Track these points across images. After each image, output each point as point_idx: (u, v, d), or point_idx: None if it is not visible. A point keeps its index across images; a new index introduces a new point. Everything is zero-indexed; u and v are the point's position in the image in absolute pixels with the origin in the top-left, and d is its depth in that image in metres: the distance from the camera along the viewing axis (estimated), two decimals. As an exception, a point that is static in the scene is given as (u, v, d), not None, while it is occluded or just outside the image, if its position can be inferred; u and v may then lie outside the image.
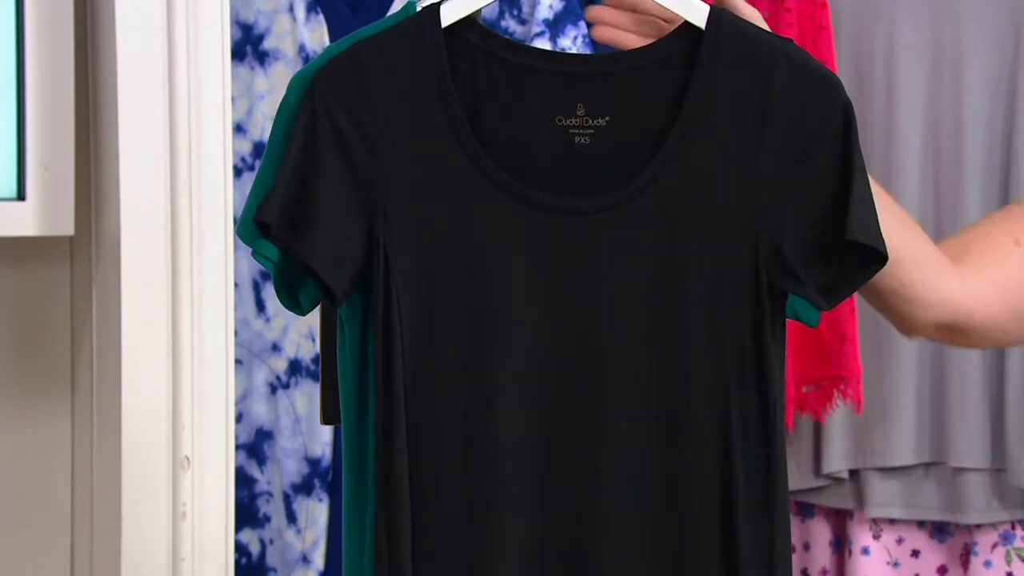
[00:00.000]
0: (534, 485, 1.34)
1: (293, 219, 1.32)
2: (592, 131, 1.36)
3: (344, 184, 1.33)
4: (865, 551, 2.56)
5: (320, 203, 1.32)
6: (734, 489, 1.33)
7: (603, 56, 1.45)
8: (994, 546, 2.51)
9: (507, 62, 1.37)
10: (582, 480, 1.34)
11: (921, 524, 2.57)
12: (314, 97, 1.34)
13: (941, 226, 2.43)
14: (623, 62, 1.40)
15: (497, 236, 1.33)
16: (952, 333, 1.47)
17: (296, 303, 1.36)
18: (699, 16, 1.40)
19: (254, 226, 1.34)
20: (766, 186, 1.35)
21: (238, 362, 2.19)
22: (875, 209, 1.34)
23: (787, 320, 1.40)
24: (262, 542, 2.28)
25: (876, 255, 1.33)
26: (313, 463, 2.22)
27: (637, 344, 1.34)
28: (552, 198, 1.34)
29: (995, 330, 1.48)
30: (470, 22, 1.37)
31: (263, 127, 2.21)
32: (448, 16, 1.37)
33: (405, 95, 1.34)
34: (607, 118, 1.36)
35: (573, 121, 1.36)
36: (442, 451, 1.34)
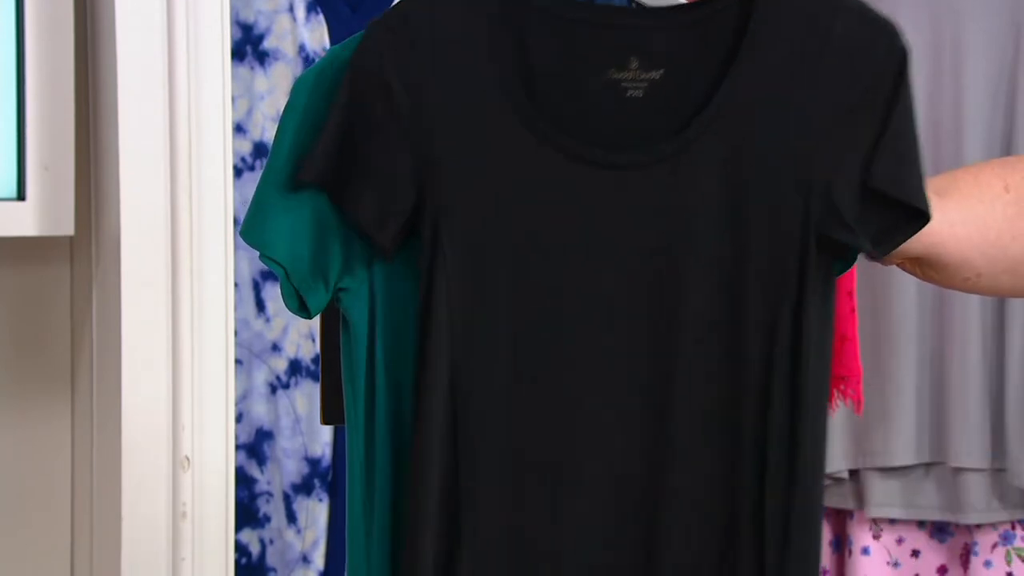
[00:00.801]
0: (597, 469, 1.31)
1: (338, 177, 1.31)
2: (645, 84, 1.34)
3: (392, 142, 1.30)
4: (865, 551, 2.56)
5: (367, 161, 1.30)
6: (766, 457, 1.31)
7: (655, 9, 1.43)
8: (994, 546, 2.51)
9: (559, 16, 1.33)
10: (645, 457, 1.32)
11: (921, 524, 2.57)
12: (362, 54, 1.31)
13: (941, 226, 2.43)
14: (676, 16, 1.37)
15: (551, 196, 1.30)
16: (924, 266, 1.45)
17: (302, 307, 1.36)
18: None
19: (260, 227, 1.33)
20: (822, 135, 1.32)
21: (238, 362, 2.19)
22: (916, 159, 1.32)
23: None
24: (262, 542, 2.28)
25: (913, 210, 1.31)
26: (313, 463, 2.22)
27: (704, 313, 1.32)
28: (606, 153, 1.31)
29: (968, 270, 1.45)
30: None
31: (263, 127, 2.21)
32: None
33: (455, 51, 1.31)
34: (660, 71, 1.34)
35: (626, 75, 1.34)
36: (494, 437, 1.31)
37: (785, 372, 1.32)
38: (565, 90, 1.33)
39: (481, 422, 1.31)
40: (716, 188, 1.32)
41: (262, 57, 2.23)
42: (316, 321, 1.76)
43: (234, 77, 2.13)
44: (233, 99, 2.08)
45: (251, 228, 1.36)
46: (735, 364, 1.32)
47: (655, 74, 1.34)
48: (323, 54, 2.21)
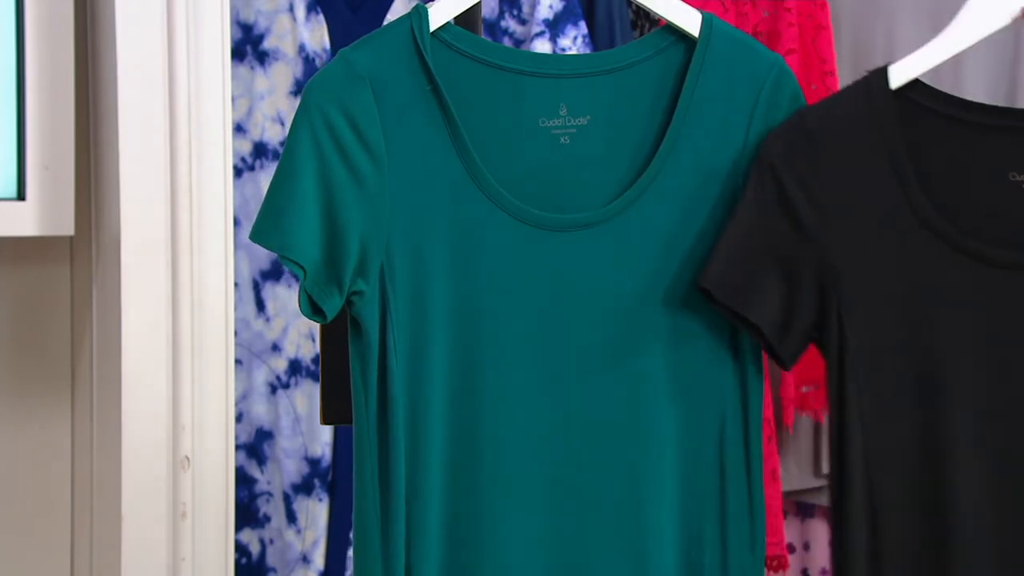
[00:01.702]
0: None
1: (741, 286, 1.35)
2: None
3: (793, 251, 1.34)
4: (865, 551, 2.56)
5: (769, 269, 1.34)
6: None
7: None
8: (994, 546, 2.51)
9: (976, 125, 1.37)
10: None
11: (921, 524, 2.57)
12: (763, 162, 1.35)
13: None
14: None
15: (951, 298, 1.34)
16: None
17: (316, 311, 1.37)
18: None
19: (276, 230, 1.36)
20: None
21: (238, 362, 2.19)
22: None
23: None
24: (262, 542, 2.28)
25: None
26: (313, 463, 2.22)
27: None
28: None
29: None
30: (917, 84, 1.38)
31: (263, 127, 2.21)
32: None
33: (856, 164, 1.35)
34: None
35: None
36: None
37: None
38: (955, 196, 1.36)
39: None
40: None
41: (262, 57, 2.23)
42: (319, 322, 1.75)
43: (234, 77, 2.13)
44: (233, 99, 2.08)
45: (266, 231, 1.36)
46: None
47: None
48: (323, 54, 2.21)
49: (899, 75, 1.37)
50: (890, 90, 1.36)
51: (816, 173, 1.34)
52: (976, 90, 2.48)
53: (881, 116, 1.35)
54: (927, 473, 1.33)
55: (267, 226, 1.37)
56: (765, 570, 1.41)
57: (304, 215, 1.36)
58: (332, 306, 1.37)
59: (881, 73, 1.36)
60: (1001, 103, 2.48)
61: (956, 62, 2.50)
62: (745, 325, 1.36)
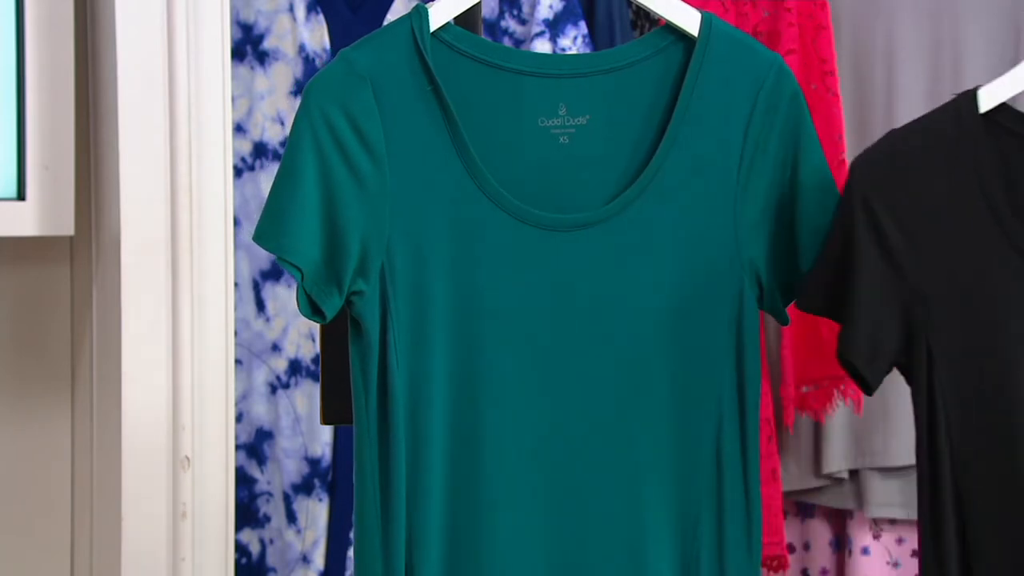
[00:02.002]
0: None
1: (832, 311, 1.38)
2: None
3: (881, 276, 1.36)
4: (865, 551, 2.56)
5: (858, 295, 1.36)
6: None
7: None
8: (994, 546, 2.51)
9: None
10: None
11: (921, 524, 2.57)
12: (854, 189, 1.36)
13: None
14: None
15: None
16: None
17: (316, 311, 1.37)
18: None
19: (276, 231, 1.36)
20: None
21: (238, 362, 2.19)
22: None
23: (789, 320, 1.42)
24: (262, 542, 2.28)
25: None
26: (313, 463, 2.22)
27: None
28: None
29: None
30: (1005, 108, 1.39)
31: (263, 127, 2.21)
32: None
33: (946, 189, 1.36)
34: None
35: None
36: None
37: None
38: None
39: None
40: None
41: (262, 57, 2.23)
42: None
43: (234, 77, 2.13)
44: (233, 99, 2.08)
45: (267, 232, 1.37)
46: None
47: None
48: (323, 54, 2.21)
49: (988, 99, 1.37)
50: (979, 114, 1.36)
51: (905, 198, 1.35)
52: (976, 90, 2.48)
53: (970, 140, 1.36)
54: (1016, 492, 1.35)
55: (268, 227, 1.37)
56: (762, 570, 1.41)
57: (304, 216, 1.36)
58: (331, 306, 1.37)
59: (970, 96, 1.37)
60: (1001, 103, 2.48)
61: (956, 62, 2.50)
62: (838, 357, 1.39)
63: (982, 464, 1.35)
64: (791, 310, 1.45)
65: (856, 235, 1.35)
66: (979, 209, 1.35)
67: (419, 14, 1.38)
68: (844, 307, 1.36)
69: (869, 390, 1.39)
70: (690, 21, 1.40)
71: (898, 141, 1.37)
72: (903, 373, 1.39)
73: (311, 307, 1.37)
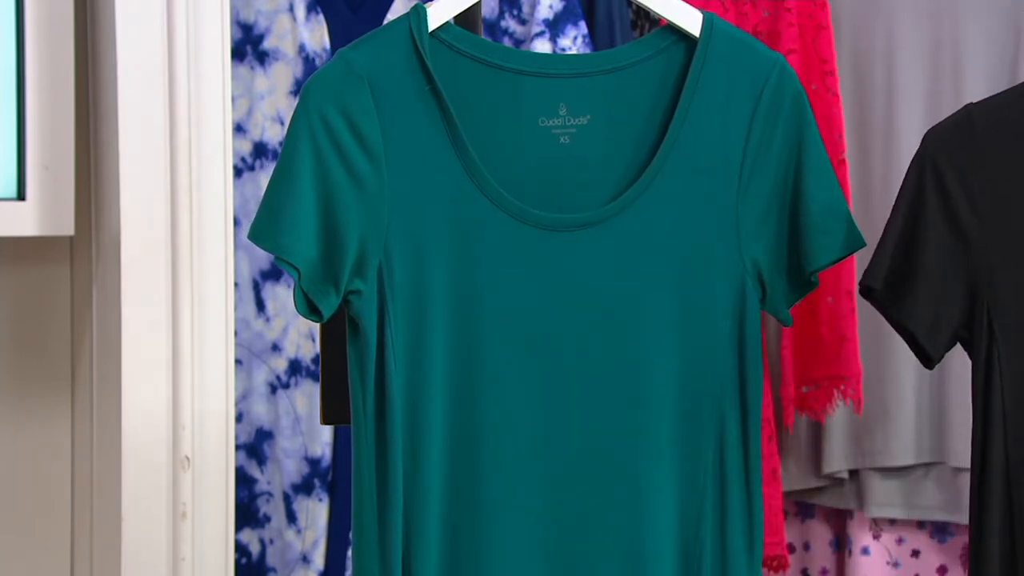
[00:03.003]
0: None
1: (895, 284, 1.37)
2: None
3: (947, 248, 1.36)
4: (865, 551, 2.56)
5: (923, 267, 1.36)
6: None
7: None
8: (994, 546, 2.51)
9: None
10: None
11: (921, 524, 2.57)
12: (925, 156, 1.36)
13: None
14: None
15: None
16: None
17: (313, 310, 1.37)
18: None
19: (273, 230, 1.35)
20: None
21: (238, 362, 2.19)
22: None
23: (791, 320, 1.42)
24: (262, 542, 2.28)
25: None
26: (313, 463, 2.22)
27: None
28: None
29: None
30: None
31: (263, 127, 2.21)
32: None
33: (1016, 163, 1.35)
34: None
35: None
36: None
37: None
38: None
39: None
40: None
41: (262, 57, 2.23)
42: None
43: (234, 77, 2.13)
44: (233, 99, 2.08)
45: (263, 231, 1.37)
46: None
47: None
48: (323, 54, 2.21)
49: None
50: None
51: (976, 170, 1.35)
52: (976, 90, 2.48)
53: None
54: None
55: (263, 226, 1.37)
56: (763, 569, 1.41)
57: (301, 215, 1.36)
58: (328, 305, 1.37)
59: None
60: (1001, 103, 2.48)
61: (956, 62, 2.50)
62: (898, 328, 1.38)
63: None
64: (791, 310, 1.45)
65: (925, 202, 1.35)
66: None
67: (417, 14, 1.38)
68: (907, 278, 1.36)
69: (930, 363, 1.39)
70: (691, 21, 1.40)
71: (974, 114, 1.36)
72: (965, 347, 1.39)
73: (308, 306, 1.37)
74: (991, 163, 1.35)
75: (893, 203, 1.39)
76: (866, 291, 1.38)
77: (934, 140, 1.35)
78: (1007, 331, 1.35)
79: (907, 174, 1.36)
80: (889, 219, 1.37)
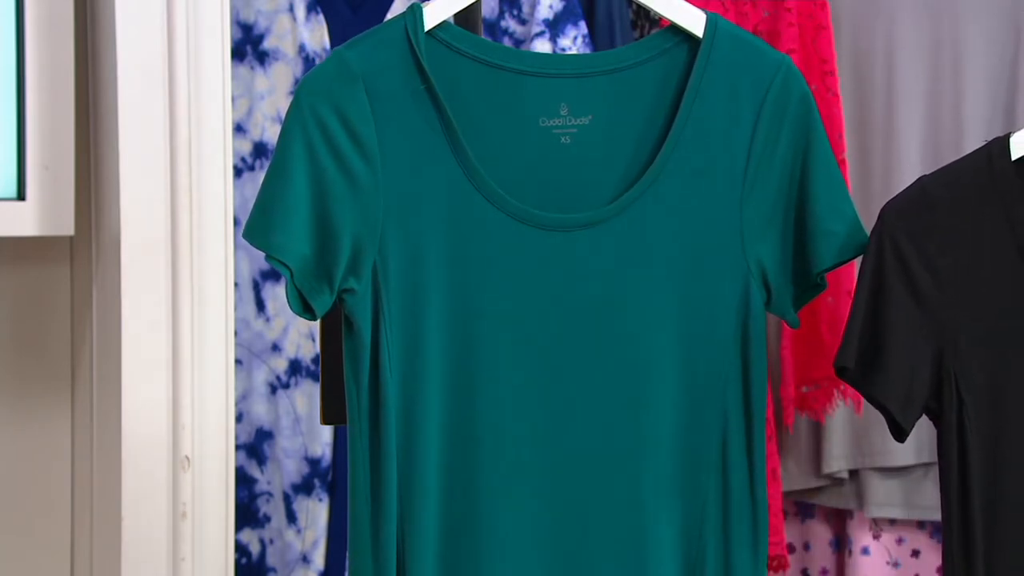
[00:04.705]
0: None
1: (867, 362, 1.38)
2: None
3: (911, 319, 1.37)
4: (865, 551, 2.56)
5: (889, 342, 1.37)
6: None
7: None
8: (994, 546, 2.51)
9: None
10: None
11: (921, 524, 2.57)
12: (883, 233, 1.37)
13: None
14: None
15: None
16: None
17: (306, 309, 1.37)
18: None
19: (265, 229, 1.35)
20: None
21: (238, 362, 2.19)
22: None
23: (798, 322, 1.43)
24: (262, 542, 2.28)
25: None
26: (313, 463, 2.22)
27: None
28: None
29: None
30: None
31: (263, 127, 2.21)
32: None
33: (976, 235, 1.37)
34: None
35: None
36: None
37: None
38: None
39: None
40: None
41: (262, 57, 2.23)
42: (316, 321, 1.76)
43: (234, 77, 2.13)
44: (233, 99, 2.08)
45: (256, 229, 1.36)
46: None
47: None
48: (323, 54, 2.21)
49: (1020, 146, 1.38)
50: (1010, 160, 1.37)
51: (935, 243, 1.36)
52: (976, 90, 2.48)
53: (1002, 185, 1.37)
54: None
55: (256, 224, 1.37)
56: (767, 570, 1.41)
57: (294, 213, 1.35)
58: (322, 303, 1.36)
59: (1002, 143, 1.38)
60: (1001, 103, 2.48)
61: (956, 62, 2.50)
62: (874, 404, 1.39)
63: (1012, 504, 1.36)
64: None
65: (885, 277, 1.36)
66: (1010, 253, 1.36)
67: (413, 13, 1.38)
68: (877, 354, 1.37)
69: (902, 436, 1.40)
70: (694, 22, 1.40)
71: (928, 186, 1.38)
72: (931, 418, 1.39)
73: (302, 304, 1.37)
74: (946, 231, 1.36)
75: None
76: (840, 371, 1.39)
77: (890, 215, 1.37)
78: (973, 394, 1.36)
79: (866, 250, 1.38)
80: (854, 297, 1.38)
